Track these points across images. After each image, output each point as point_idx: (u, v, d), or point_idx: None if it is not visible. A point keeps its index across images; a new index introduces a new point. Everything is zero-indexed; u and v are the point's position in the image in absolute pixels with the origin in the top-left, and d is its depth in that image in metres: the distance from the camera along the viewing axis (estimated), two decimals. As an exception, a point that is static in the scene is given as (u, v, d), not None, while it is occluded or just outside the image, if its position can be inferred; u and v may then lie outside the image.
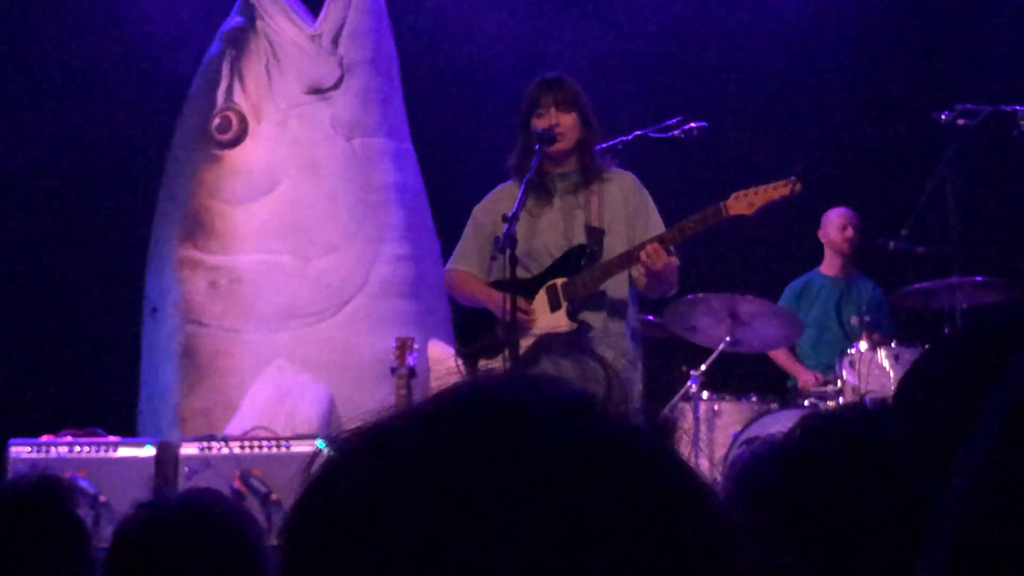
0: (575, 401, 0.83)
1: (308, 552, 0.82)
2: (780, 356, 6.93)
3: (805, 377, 6.77)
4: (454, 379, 0.87)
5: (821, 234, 7.16)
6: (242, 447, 6.01)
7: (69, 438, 6.15)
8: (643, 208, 5.12)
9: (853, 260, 7.18)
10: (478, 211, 5.30)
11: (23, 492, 2.42)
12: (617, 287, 5.04)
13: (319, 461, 0.85)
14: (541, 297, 5.04)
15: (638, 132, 6.10)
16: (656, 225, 5.07)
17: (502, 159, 5.31)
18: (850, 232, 7.04)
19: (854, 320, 6.55)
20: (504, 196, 5.16)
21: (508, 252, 4.72)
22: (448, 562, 0.76)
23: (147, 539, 1.96)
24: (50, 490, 2.42)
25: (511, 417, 0.81)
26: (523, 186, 4.83)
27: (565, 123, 5.03)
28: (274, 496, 5.58)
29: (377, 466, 0.81)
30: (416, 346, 6.02)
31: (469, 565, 0.76)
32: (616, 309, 5.06)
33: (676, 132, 6.09)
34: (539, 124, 5.03)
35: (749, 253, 7.70)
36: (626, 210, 5.10)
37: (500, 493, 0.77)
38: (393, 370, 5.93)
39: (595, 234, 5.06)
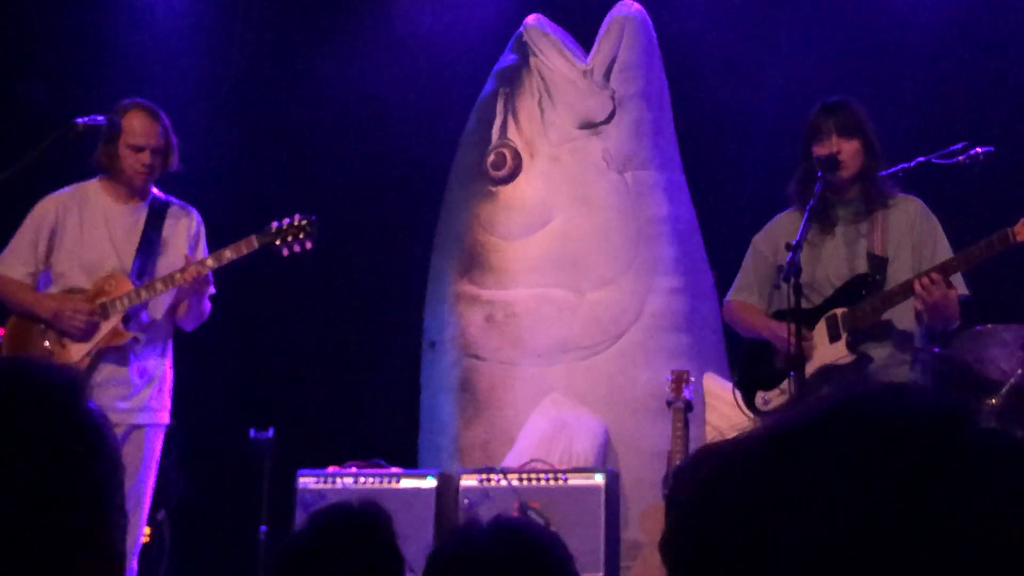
0: (962, 410, 0.82)
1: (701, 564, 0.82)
2: None
3: None
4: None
5: None
6: (520, 479, 6.08)
7: (354, 469, 6.34)
8: (931, 234, 4.94)
9: None
10: (758, 240, 5.22)
11: (349, 516, 2.52)
12: (902, 317, 4.87)
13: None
14: (821, 327, 4.93)
15: (920, 159, 5.89)
16: (944, 252, 4.89)
17: (774, 189, 5.21)
18: None
19: None
20: (784, 225, 5.08)
21: (792, 281, 4.63)
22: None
23: (460, 563, 1.99)
24: (373, 517, 2.51)
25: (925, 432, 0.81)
26: (806, 213, 4.73)
27: (847, 150, 4.91)
28: (552, 528, 5.61)
29: (779, 475, 0.81)
30: (692, 379, 5.98)
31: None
32: (900, 340, 4.89)
33: (961, 158, 5.86)
34: (820, 151, 4.91)
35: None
36: (912, 237, 4.93)
37: (923, 508, 0.78)
38: (669, 403, 5.91)
39: (878, 262, 4.92)
